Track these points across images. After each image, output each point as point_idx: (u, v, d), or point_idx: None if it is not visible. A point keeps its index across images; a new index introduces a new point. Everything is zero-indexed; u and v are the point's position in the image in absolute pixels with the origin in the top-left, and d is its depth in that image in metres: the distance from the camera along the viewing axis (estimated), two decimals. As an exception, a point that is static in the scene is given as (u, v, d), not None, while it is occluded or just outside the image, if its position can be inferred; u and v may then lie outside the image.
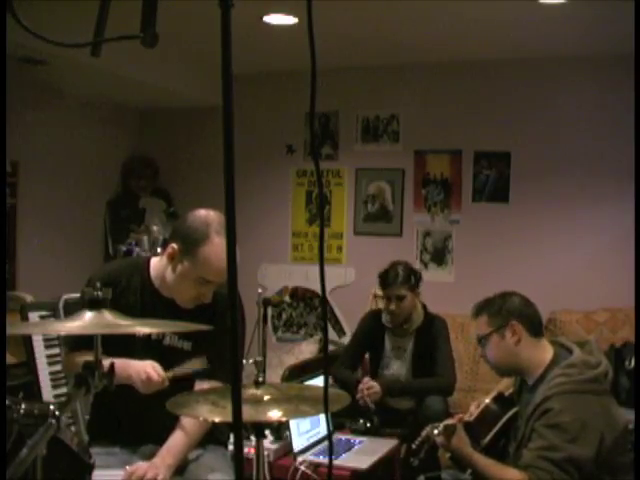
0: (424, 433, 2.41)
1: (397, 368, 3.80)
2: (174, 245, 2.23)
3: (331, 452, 1.49)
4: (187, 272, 2.21)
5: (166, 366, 2.18)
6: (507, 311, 2.40)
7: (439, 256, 5.08)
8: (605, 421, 2.17)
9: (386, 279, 3.72)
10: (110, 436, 2.32)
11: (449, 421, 2.55)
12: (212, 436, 2.32)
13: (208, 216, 2.22)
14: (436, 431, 2.37)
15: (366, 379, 3.63)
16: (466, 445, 2.36)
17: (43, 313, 3.71)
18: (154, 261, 2.37)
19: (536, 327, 2.42)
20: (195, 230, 2.20)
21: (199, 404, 1.74)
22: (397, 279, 3.68)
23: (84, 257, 5.14)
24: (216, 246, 2.18)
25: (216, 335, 2.02)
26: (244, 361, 1.87)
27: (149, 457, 2.20)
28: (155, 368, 2.12)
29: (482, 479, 2.28)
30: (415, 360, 3.76)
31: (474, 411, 2.69)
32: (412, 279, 3.72)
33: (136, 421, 2.26)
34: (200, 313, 2.24)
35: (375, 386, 3.56)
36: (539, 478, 2.10)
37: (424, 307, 3.84)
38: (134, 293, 2.31)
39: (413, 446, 2.47)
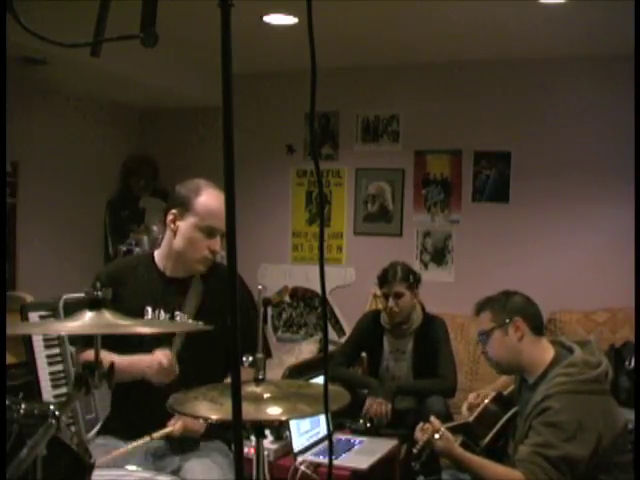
0: (425, 437, 2.38)
1: (397, 370, 3.79)
2: (173, 211, 2.33)
3: (331, 452, 1.49)
4: (193, 227, 2.30)
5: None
6: (511, 308, 2.41)
7: (439, 256, 5.08)
8: (604, 421, 2.17)
9: (384, 277, 3.73)
10: (120, 431, 2.31)
11: (450, 424, 2.54)
12: (214, 431, 2.30)
13: (193, 179, 2.38)
14: (437, 435, 2.35)
15: (371, 401, 3.56)
16: (454, 446, 2.31)
17: (43, 313, 3.71)
18: (157, 251, 2.44)
19: (538, 326, 2.43)
20: (187, 190, 2.34)
21: (198, 401, 1.73)
22: (395, 276, 3.69)
23: (84, 257, 5.14)
24: (211, 194, 2.32)
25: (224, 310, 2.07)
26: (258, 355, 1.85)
27: (154, 454, 2.22)
28: (166, 355, 2.15)
29: (479, 479, 2.27)
30: (415, 361, 3.74)
31: (473, 401, 2.68)
32: (411, 278, 3.72)
33: (148, 416, 2.24)
34: (209, 288, 2.35)
35: (384, 405, 3.53)
36: (532, 473, 2.11)
37: (423, 308, 3.84)
38: (141, 281, 2.36)
39: (414, 451, 2.45)
